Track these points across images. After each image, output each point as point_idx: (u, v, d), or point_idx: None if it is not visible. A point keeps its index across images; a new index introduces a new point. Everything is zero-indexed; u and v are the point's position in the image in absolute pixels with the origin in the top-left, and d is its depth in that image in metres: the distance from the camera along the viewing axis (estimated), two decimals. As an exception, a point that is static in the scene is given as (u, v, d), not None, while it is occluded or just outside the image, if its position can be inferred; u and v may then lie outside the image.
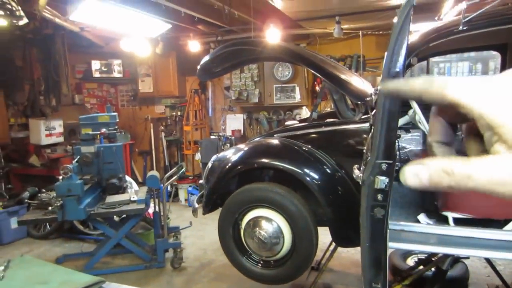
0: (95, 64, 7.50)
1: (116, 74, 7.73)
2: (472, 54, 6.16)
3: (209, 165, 3.17)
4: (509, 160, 0.36)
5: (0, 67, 6.02)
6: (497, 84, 0.39)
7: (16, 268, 2.14)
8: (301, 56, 2.92)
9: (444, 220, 2.41)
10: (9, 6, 3.01)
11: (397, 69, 1.48)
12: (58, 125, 6.32)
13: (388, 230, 1.67)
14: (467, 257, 3.51)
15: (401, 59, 1.48)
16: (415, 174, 0.39)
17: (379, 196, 1.59)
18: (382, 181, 1.57)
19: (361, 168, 1.79)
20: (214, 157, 3.21)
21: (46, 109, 6.34)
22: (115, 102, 8.38)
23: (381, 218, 1.61)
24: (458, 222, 2.35)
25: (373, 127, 1.66)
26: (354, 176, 1.85)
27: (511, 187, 0.36)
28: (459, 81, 0.40)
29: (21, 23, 3.30)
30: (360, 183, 1.70)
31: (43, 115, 6.33)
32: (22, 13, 3.21)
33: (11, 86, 6.19)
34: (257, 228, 2.73)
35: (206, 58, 3.28)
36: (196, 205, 3.24)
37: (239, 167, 2.87)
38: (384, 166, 1.57)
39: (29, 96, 6.35)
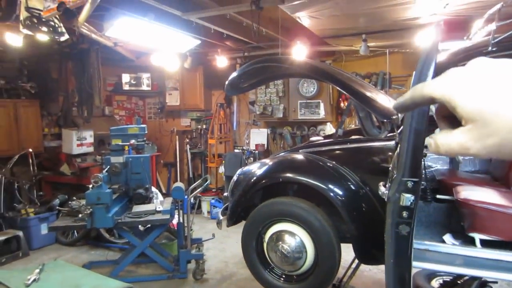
0: (125, 77, 7.77)
1: (144, 87, 7.97)
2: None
3: (235, 178, 3.23)
4: (469, 128, 0.47)
5: (37, 79, 6.32)
6: (457, 74, 0.49)
7: (50, 272, 2.25)
8: (327, 74, 2.97)
9: (470, 242, 2.38)
10: (52, 23, 3.20)
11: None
12: (89, 136, 6.54)
13: (412, 249, 1.67)
14: (496, 281, 3.42)
15: (429, 79, 1.51)
16: (432, 143, 0.52)
17: (405, 214, 1.61)
18: (407, 198, 1.59)
19: (387, 185, 1.81)
20: (239, 171, 3.27)
21: (78, 120, 6.59)
22: (143, 114, 8.62)
23: (406, 236, 1.63)
24: (485, 244, 2.32)
25: (399, 145, 1.68)
26: (380, 193, 1.87)
27: (474, 150, 0.47)
28: (433, 80, 0.51)
29: (62, 39, 3.51)
30: (386, 200, 1.72)
31: (75, 125, 6.58)
32: (63, 30, 3.40)
33: (46, 97, 6.48)
34: (280, 242, 2.76)
35: (234, 74, 3.37)
36: (221, 217, 3.29)
37: (264, 181, 2.92)
38: (410, 184, 1.59)
39: (63, 107, 6.62)
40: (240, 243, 3.00)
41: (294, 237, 2.74)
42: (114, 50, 5.83)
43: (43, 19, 3.01)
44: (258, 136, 7.54)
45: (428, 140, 0.52)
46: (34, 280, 2.11)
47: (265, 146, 7.39)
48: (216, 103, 7.62)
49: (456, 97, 0.47)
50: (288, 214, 2.75)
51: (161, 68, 7.13)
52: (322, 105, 6.59)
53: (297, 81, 6.65)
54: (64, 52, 6.01)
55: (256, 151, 7.09)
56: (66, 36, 3.52)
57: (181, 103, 7.86)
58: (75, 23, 3.40)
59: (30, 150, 5.83)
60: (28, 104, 6.16)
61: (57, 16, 3.21)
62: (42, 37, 3.32)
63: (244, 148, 7.19)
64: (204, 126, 7.99)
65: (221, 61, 6.66)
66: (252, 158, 6.74)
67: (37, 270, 2.23)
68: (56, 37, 3.36)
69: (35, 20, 2.98)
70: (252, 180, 2.97)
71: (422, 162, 2.45)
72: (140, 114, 8.44)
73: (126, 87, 7.84)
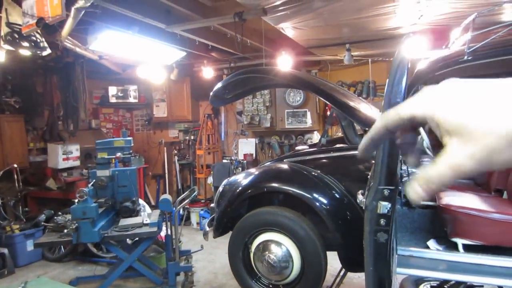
0: (112, 90, 7.74)
1: (131, 100, 7.94)
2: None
3: (220, 188, 3.24)
4: (455, 145, 0.46)
5: (22, 93, 6.26)
6: (435, 92, 0.49)
7: (33, 289, 2.21)
8: (310, 84, 3.01)
9: (454, 247, 2.41)
10: (34, 38, 3.19)
11: (398, 99, 1.54)
12: (75, 149, 6.47)
13: (394, 254, 1.69)
14: (481, 286, 3.45)
15: (401, 89, 1.55)
16: (414, 192, 0.49)
17: (382, 221, 1.63)
18: (384, 206, 1.61)
19: (365, 194, 1.84)
20: (225, 181, 3.28)
21: (64, 133, 6.54)
22: (130, 127, 8.58)
23: (384, 243, 1.65)
24: (468, 248, 2.35)
25: (375, 153, 1.71)
26: (358, 201, 1.89)
27: (468, 166, 0.45)
28: (409, 101, 0.50)
29: (44, 53, 3.49)
30: (364, 208, 1.74)
31: (61, 139, 6.52)
32: (45, 44, 3.39)
33: (31, 112, 6.41)
34: (267, 252, 2.76)
35: (219, 85, 3.40)
36: (207, 228, 3.29)
37: (249, 191, 2.93)
38: (386, 192, 1.62)
39: (48, 121, 6.56)
40: (227, 254, 3.00)
41: (280, 246, 2.75)
42: (99, 63, 5.82)
43: (24, 34, 3.01)
44: (246, 146, 7.56)
45: (412, 188, 0.49)
46: (16, 298, 2.06)
47: (254, 155, 7.40)
48: (203, 114, 7.63)
49: (438, 113, 0.47)
50: (274, 224, 2.76)
51: (148, 80, 7.13)
52: (309, 114, 6.64)
53: (284, 90, 6.70)
54: (48, 66, 5.98)
55: (245, 161, 7.09)
56: (48, 51, 3.52)
57: (168, 114, 7.86)
58: (58, 37, 3.40)
59: (15, 165, 5.75)
60: (12, 119, 6.09)
61: (38, 31, 3.20)
62: (24, 52, 3.32)
63: (233, 158, 7.19)
64: (192, 137, 7.98)
65: (208, 72, 6.69)
66: (240, 168, 6.74)
67: (19, 288, 2.19)
68: (38, 52, 3.35)
69: (16, 36, 2.98)
70: (238, 191, 2.98)
71: (402, 170, 2.49)
72: (127, 127, 8.41)
73: (113, 100, 7.81)
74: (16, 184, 5.78)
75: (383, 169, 1.59)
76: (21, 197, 5.93)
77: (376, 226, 1.63)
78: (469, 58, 2.42)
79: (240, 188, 2.98)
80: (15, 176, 5.75)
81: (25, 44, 3.14)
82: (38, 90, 6.45)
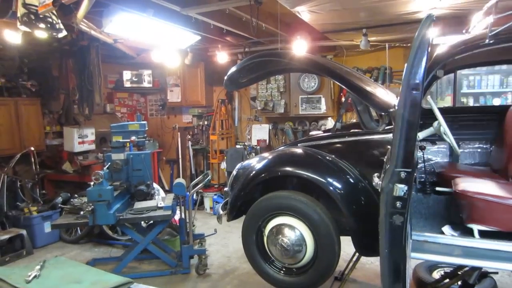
0: (126, 74, 7.78)
1: (146, 84, 7.97)
2: (504, 67, 6.04)
3: (234, 172, 3.25)
4: None
5: (38, 77, 6.32)
6: None
7: (51, 268, 2.25)
8: (326, 68, 2.97)
9: (469, 233, 2.38)
10: (50, 20, 3.20)
11: (417, 81, 1.51)
12: (90, 133, 6.55)
13: (408, 238, 1.68)
14: (496, 272, 3.43)
15: (420, 71, 1.51)
16: None
17: (398, 204, 1.62)
18: (401, 188, 1.59)
19: (381, 176, 1.82)
20: (238, 165, 3.29)
21: (79, 117, 6.61)
22: (144, 111, 8.63)
23: (400, 225, 1.63)
24: (483, 234, 2.32)
25: (392, 136, 1.69)
26: (374, 183, 1.87)
27: None
28: None
29: (60, 35, 3.50)
30: (379, 190, 1.72)
31: (76, 123, 6.59)
32: (61, 26, 3.40)
33: (47, 95, 6.48)
34: (280, 236, 2.77)
35: (233, 68, 3.38)
36: (221, 212, 3.31)
37: (263, 175, 2.93)
38: (403, 174, 1.60)
39: (64, 105, 6.63)
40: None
41: (294, 230, 2.76)
42: (114, 47, 5.83)
43: (40, 16, 3.02)
44: (260, 132, 7.55)
45: None
46: (35, 276, 2.12)
47: (267, 141, 7.39)
48: (217, 99, 7.63)
49: None
50: (287, 208, 2.76)
51: (162, 64, 7.13)
52: (323, 100, 6.58)
53: (298, 76, 6.64)
54: (64, 50, 6.01)
55: (258, 147, 7.10)
56: (64, 33, 3.52)
57: (182, 99, 7.87)
58: (73, 20, 3.41)
59: (32, 148, 5.85)
60: (29, 103, 6.17)
61: (54, 13, 3.21)
62: (40, 33, 3.33)
63: (246, 144, 7.20)
64: (205, 123, 8.00)
65: (222, 57, 6.66)
66: (253, 154, 6.75)
67: (38, 267, 2.24)
68: (54, 34, 3.36)
69: (32, 17, 2.99)
70: (251, 175, 2.98)
71: (418, 154, 2.45)
72: (141, 111, 8.45)
73: (127, 84, 7.85)
74: (33, 167, 5.89)
75: (400, 152, 1.57)
76: (38, 180, 6.04)
77: (392, 209, 1.62)
78: (491, 41, 2.36)
79: (254, 172, 2.98)
80: (32, 159, 5.85)
81: (41, 25, 3.15)
82: (54, 74, 6.50)
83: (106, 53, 6.53)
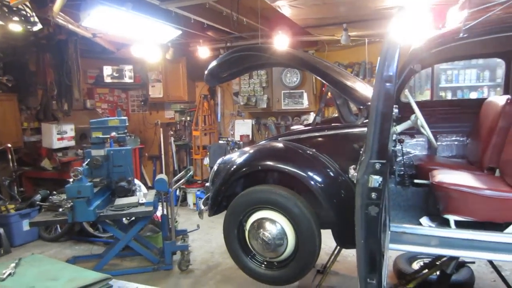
0: (107, 70, 7.65)
1: (127, 80, 7.85)
2: (481, 61, 6.17)
3: (215, 167, 3.23)
4: None
5: (14, 72, 6.16)
6: None
7: (27, 266, 2.20)
8: (305, 62, 2.98)
9: (446, 223, 2.43)
10: (24, 12, 3.12)
11: (390, 73, 1.53)
12: (69, 129, 6.43)
13: (387, 231, 1.70)
14: (473, 262, 3.51)
15: (393, 63, 1.53)
16: None
17: (373, 195, 1.64)
18: (376, 180, 1.61)
19: (357, 168, 1.83)
20: (219, 160, 3.27)
21: (58, 113, 6.48)
22: (126, 107, 8.53)
23: (375, 216, 1.65)
24: (459, 225, 2.37)
25: (367, 128, 1.71)
26: (349, 175, 1.89)
27: None
28: None
29: (35, 29, 3.41)
30: (355, 182, 1.74)
31: (55, 119, 6.46)
32: (36, 19, 3.32)
33: (24, 91, 6.32)
34: (261, 230, 2.77)
35: (214, 63, 3.36)
36: (202, 207, 3.29)
37: (243, 169, 2.93)
38: (378, 166, 1.62)
39: (42, 100, 6.48)
40: (223, 233, 3.01)
41: (275, 224, 2.76)
42: (94, 41, 5.72)
43: (14, 8, 2.94)
44: (243, 127, 7.54)
45: None
46: (10, 274, 2.07)
47: (250, 136, 7.39)
48: (200, 95, 7.57)
49: None
50: (268, 202, 2.77)
51: (143, 60, 7.05)
52: (305, 95, 6.61)
53: (280, 71, 6.65)
54: (41, 44, 5.85)
55: (241, 142, 7.07)
56: (39, 26, 3.44)
57: (164, 95, 7.79)
58: (49, 13, 3.33)
59: (9, 145, 5.72)
60: (5, 98, 6.01)
61: (28, 5, 3.13)
62: (14, 27, 3.24)
63: (229, 139, 7.17)
64: (188, 118, 7.95)
65: (204, 52, 6.61)
66: (236, 149, 6.72)
67: (13, 265, 2.18)
68: (29, 27, 3.28)
69: (5, 9, 2.91)
70: (232, 169, 2.97)
71: (397, 147, 2.49)
72: (123, 107, 8.35)
73: (108, 80, 7.71)
74: (11, 164, 5.76)
75: (374, 143, 1.59)
76: (16, 177, 5.91)
77: (367, 200, 1.64)
78: (465, 35, 2.40)
79: (234, 167, 2.97)
80: (10, 156, 5.72)
81: (15, 18, 3.07)
82: (31, 69, 6.34)
83: (85, 47, 6.40)
